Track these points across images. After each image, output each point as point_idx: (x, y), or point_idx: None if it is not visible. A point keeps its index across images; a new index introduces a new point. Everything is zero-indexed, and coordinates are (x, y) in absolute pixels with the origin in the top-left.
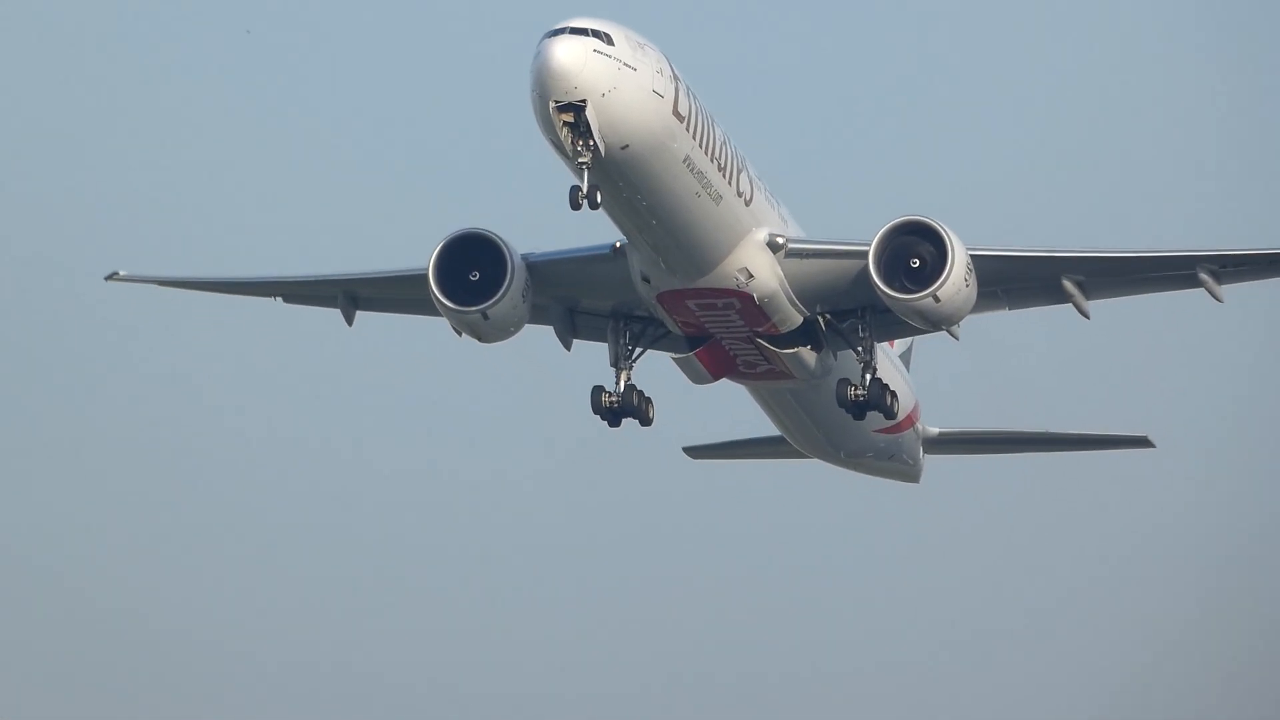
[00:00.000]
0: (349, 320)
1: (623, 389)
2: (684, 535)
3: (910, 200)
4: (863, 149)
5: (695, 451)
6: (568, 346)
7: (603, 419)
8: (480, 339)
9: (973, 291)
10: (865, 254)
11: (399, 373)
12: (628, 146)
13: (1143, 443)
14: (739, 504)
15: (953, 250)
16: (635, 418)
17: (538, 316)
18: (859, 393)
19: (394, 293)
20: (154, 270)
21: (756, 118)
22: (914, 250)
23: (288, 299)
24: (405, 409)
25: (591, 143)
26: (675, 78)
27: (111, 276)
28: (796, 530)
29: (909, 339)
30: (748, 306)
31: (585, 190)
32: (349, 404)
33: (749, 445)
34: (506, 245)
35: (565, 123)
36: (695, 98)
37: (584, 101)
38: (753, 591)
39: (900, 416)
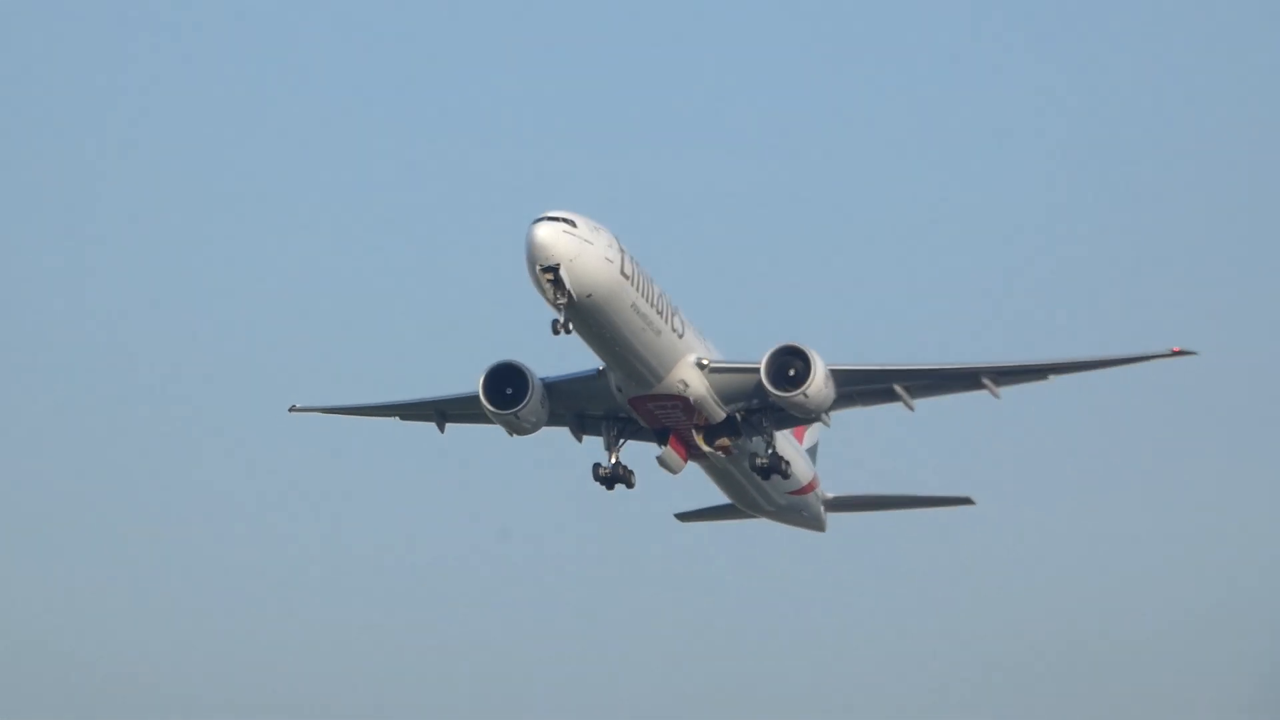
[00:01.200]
0: (441, 429)
1: (612, 463)
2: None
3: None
4: (763, 284)
5: (683, 516)
6: (579, 440)
7: (600, 484)
8: (515, 432)
9: (831, 391)
10: (758, 369)
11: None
12: (590, 295)
13: (965, 501)
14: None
15: (814, 364)
16: (623, 483)
17: (557, 421)
18: (762, 460)
19: (463, 409)
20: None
21: (684, 264)
22: (791, 364)
23: (404, 417)
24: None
25: (565, 292)
26: (621, 250)
27: (293, 409)
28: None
29: (815, 436)
30: (686, 406)
31: (562, 321)
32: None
33: (714, 511)
34: (527, 370)
35: (548, 280)
36: (637, 263)
37: (558, 265)
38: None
39: (803, 482)
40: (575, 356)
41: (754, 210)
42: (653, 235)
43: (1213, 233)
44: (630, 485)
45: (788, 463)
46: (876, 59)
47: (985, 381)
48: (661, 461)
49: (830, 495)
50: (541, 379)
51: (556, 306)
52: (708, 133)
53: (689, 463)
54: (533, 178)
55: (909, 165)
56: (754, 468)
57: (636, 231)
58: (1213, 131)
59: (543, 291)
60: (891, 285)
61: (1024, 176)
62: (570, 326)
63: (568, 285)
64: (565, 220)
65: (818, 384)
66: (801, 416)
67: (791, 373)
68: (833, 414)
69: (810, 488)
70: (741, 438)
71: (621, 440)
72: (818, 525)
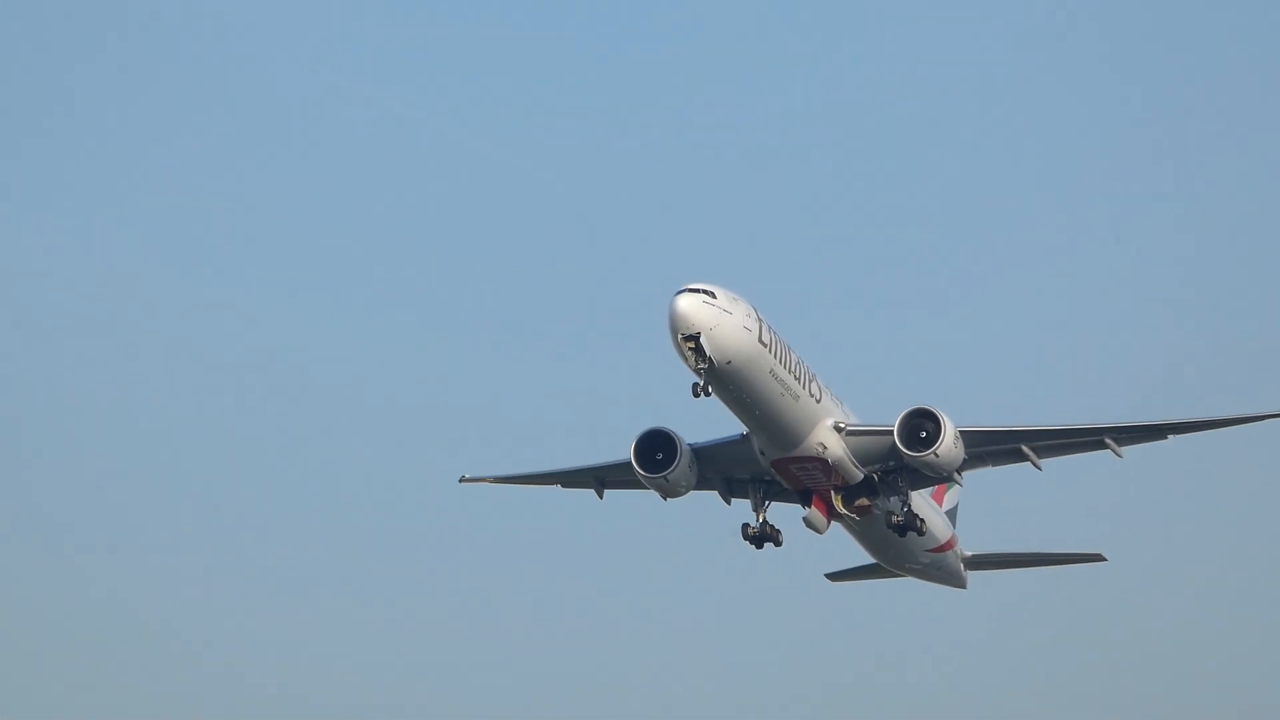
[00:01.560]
0: (600, 495)
1: (760, 523)
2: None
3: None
4: (897, 348)
5: (833, 576)
6: (728, 503)
7: (749, 543)
8: (667, 495)
9: (961, 452)
10: (892, 431)
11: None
12: (730, 362)
13: (1097, 558)
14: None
15: (944, 426)
16: (771, 541)
17: (705, 485)
18: (898, 519)
19: (620, 475)
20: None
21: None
22: (923, 426)
23: (565, 485)
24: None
25: (706, 359)
26: (759, 319)
27: (464, 479)
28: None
29: (955, 498)
30: (825, 467)
31: (702, 385)
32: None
33: (862, 570)
34: (676, 435)
35: (689, 348)
36: (775, 333)
37: (698, 334)
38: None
39: (940, 540)
40: (721, 424)
41: (880, 275)
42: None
43: None
44: (778, 543)
45: (923, 520)
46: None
47: (1108, 442)
48: (807, 522)
49: (969, 553)
50: (690, 445)
51: (698, 372)
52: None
53: (832, 522)
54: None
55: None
56: (890, 525)
57: (773, 299)
58: None
59: (685, 359)
60: (1012, 345)
61: (1152, 245)
62: (710, 389)
63: (708, 352)
64: (705, 291)
65: (947, 444)
66: (934, 476)
67: (923, 434)
68: (965, 474)
69: (949, 546)
70: (879, 497)
71: (767, 501)
72: (959, 582)
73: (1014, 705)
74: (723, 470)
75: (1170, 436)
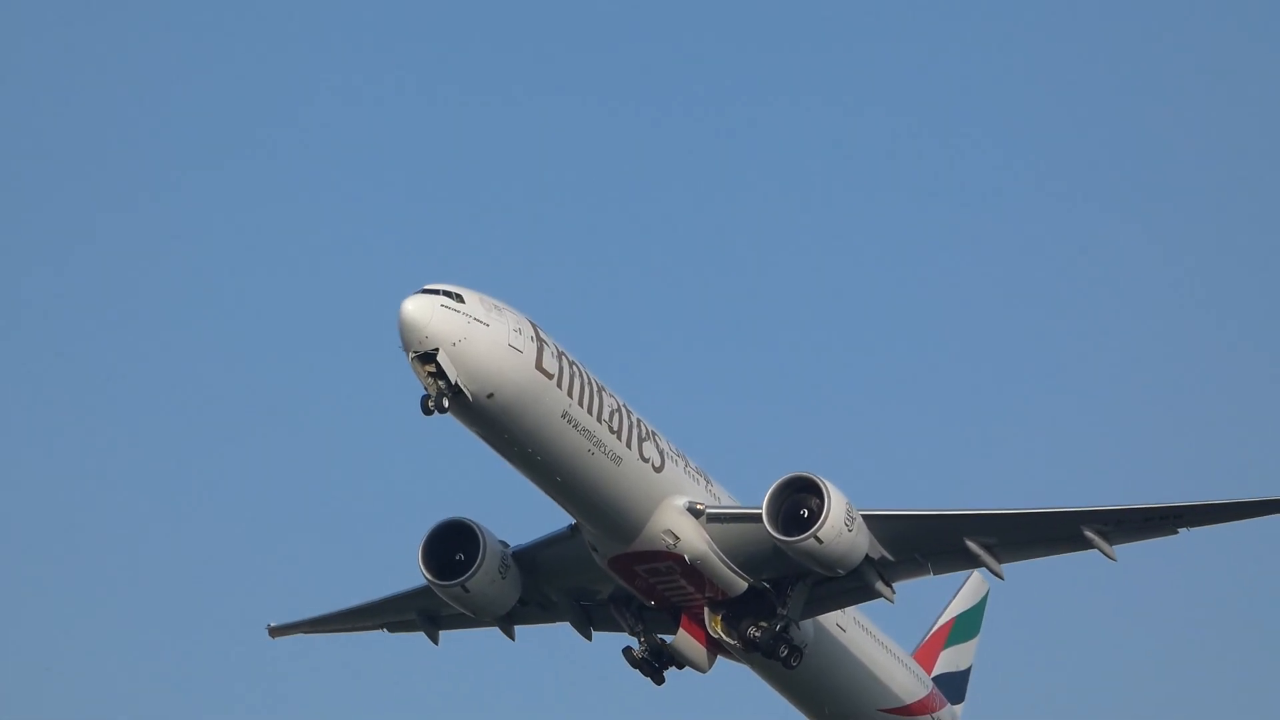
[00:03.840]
0: (433, 639)
1: (644, 644)
2: None
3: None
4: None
5: None
6: (588, 637)
7: (644, 674)
8: (473, 613)
9: (858, 538)
10: (761, 511)
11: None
12: (493, 395)
13: None
14: None
15: (829, 497)
16: (673, 664)
17: (553, 614)
18: (755, 633)
19: (436, 606)
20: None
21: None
22: (804, 503)
23: (390, 629)
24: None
25: (451, 387)
26: (540, 339)
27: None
28: None
29: (967, 657)
30: (685, 569)
31: (434, 401)
32: None
33: None
34: (479, 527)
35: (428, 374)
36: (578, 366)
37: (435, 350)
38: None
39: (901, 699)
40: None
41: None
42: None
43: None
44: (680, 664)
45: (795, 650)
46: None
47: (1089, 535)
48: (678, 654)
49: None
50: (514, 548)
51: (441, 406)
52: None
53: (718, 656)
54: None
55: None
56: (742, 635)
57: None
58: None
59: (426, 389)
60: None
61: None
62: (444, 404)
63: (454, 379)
64: (447, 294)
65: (835, 524)
66: (823, 571)
67: (804, 513)
68: (898, 583)
69: (922, 708)
70: (778, 621)
71: (640, 625)
72: None
73: None
74: (557, 581)
75: (1183, 530)
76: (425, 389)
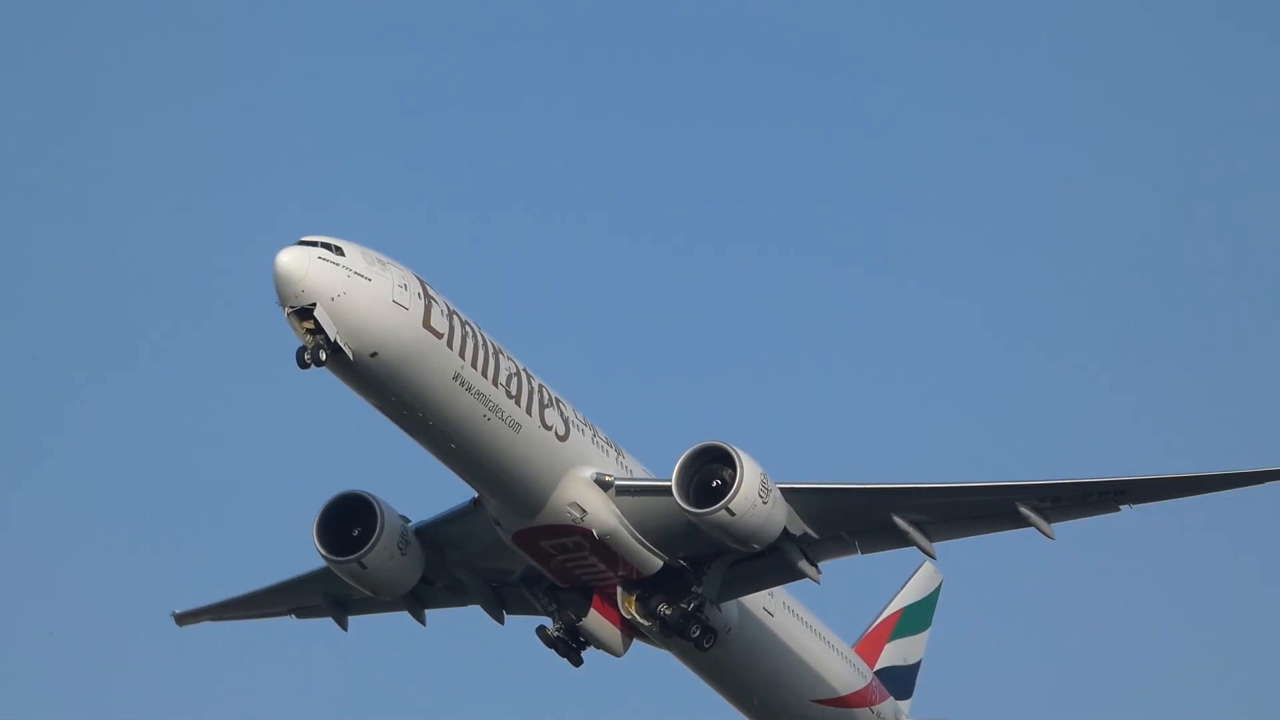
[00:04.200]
0: (342, 624)
1: (561, 622)
2: None
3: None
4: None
5: None
6: (500, 620)
7: (560, 654)
8: (371, 590)
9: (774, 511)
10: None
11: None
12: (376, 354)
13: None
14: None
15: (742, 468)
16: (589, 643)
17: (463, 596)
18: (665, 609)
19: (342, 589)
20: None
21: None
22: (717, 474)
23: (298, 615)
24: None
25: (331, 344)
26: (429, 296)
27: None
28: None
29: (917, 650)
30: (595, 545)
31: (310, 354)
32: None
33: None
34: (377, 500)
35: (307, 329)
36: (472, 326)
37: (312, 305)
38: None
39: (836, 690)
40: None
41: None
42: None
43: None
44: (599, 644)
45: (708, 631)
46: None
47: (1025, 511)
48: (588, 636)
49: None
50: (416, 524)
51: (318, 358)
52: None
53: (633, 639)
54: None
55: None
56: (651, 613)
57: None
58: None
59: (303, 343)
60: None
61: None
62: (321, 356)
63: (333, 335)
64: (326, 246)
65: (748, 494)
66: (737, 546)
67: (716, 484)
68: (823, 562)
69: (859, 701)
70: (691, 600)
71: (553, 605)
72: None
73: None
74: (463, 560)
75: (1125, 507)
76: (301, 342)
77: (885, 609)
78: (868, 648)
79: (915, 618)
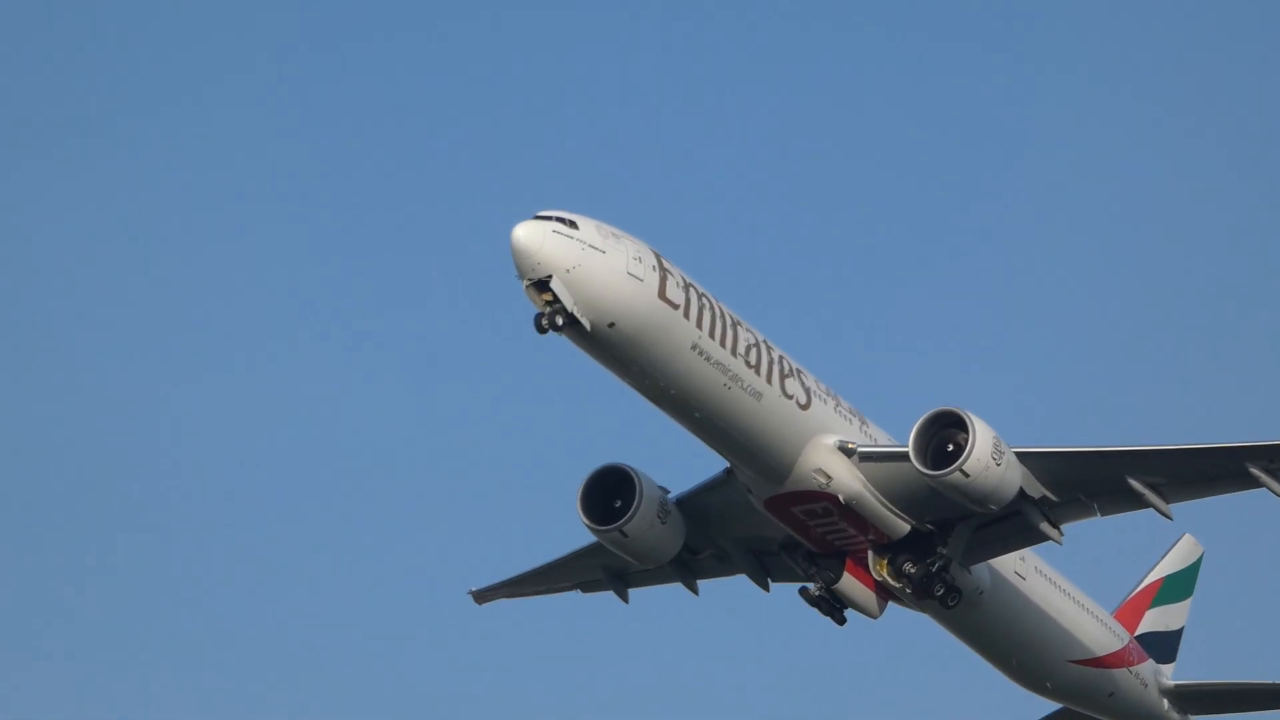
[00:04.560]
0: (623, 597)
1: (823, 583)
2: None
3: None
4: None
5: None
6: (765, 588)
7: (823, 613)
8: (636, 559)
9: (1008, 472)
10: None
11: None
12: (614, 324)
13: None
14: None
15: (974, 431)
16: (847, 604)
17: (730, 566)
18: (910, 568)
19: (633, 565)
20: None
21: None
22: (952, 438)
23: (584, 590)
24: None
25: (568, 315)
26: (664, 269)
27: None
28: None
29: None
30: (843, 511)
31: (546, 318)
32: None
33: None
34: (635, 472)
35: (546, 301)
36: (709, 298)
37: (548, 277)
38: None
39: (1092, 650)
40: None
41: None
42: None
43: None
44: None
45: (953, 590)
46: None
47: (1255, 472)
48: (847, 599)
49: (1172, 683)
50: (675, 495)
51: (555, 324)
52: None
53: (888, 603)
54: None
55: None
56: (900, 571)
57: None
58: None
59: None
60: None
61: None
62: (558, 321)
63: (569, 306)
64: (560, 220)
65: (981, 456)
66: (977, 508)
67: (951, 448)
68: (1066, 525)
69: (1115, 662)
70: (936, 560)
71: (813, 569)
72: None
73: None
74: (723, 529)
75: None
76: (538, 309)
77: (1146, 577)
78: (1129, 614)
79: (1177, 586)
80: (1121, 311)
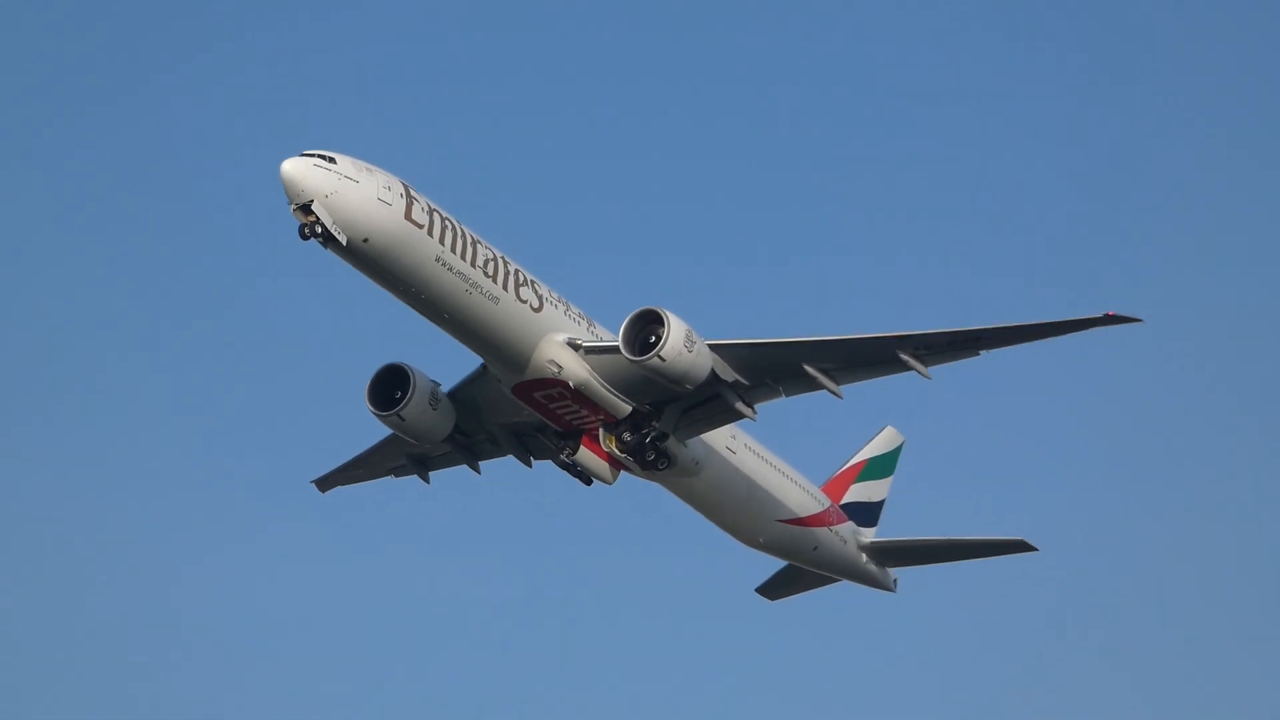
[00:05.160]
0: (424, 478)
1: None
2: None
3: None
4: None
5: (767, 590)
6: (528, 464)
7: (573, 476)
8: (416, 439)
9: (699, 358)
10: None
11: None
12: (368, 240)
13: (1025, 547)
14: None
15: (669, 324)
16: (587, 472)
17: (500, 448)
18: (628, 437)
19: (425, 448)
20: None
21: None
22: (653, 332)
23: (395, 474)
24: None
25: (327, 231)
26: (410, 196)
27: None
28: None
29: (882, 490)
30: (575, 395)
31: (307, 226)
32: None
33: (783, 576)
34: (411, 368)
35: (310, 222)
36: (453, 221)
37: (310, 200)
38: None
39: (795, 511)
40: None
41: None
42: None
43: None
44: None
45: (663, 455)
46: None
47: (905, 358)
48: (583, 467)
49: (868, 540)
50: (447, 389)
51: (314, 232)
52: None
53: (621, 471)
54: None
55: None
56: (626, 447)
57: None
58: None
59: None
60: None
61: None
62: (316, 229)
63: (328, 226)
64: (321, 156)
65: (674, 344)
66: (674, 387)
67: (653, 339)
68: (760, 405)
69: (815, 521)
70: (649, 432)
71: (561, 444)
72: (877, 582)
73: None
74: (487, 416)
75: (983, 352)
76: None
77: (852, 458)
78: (836, 487)
79: (879, 466)
80: None
